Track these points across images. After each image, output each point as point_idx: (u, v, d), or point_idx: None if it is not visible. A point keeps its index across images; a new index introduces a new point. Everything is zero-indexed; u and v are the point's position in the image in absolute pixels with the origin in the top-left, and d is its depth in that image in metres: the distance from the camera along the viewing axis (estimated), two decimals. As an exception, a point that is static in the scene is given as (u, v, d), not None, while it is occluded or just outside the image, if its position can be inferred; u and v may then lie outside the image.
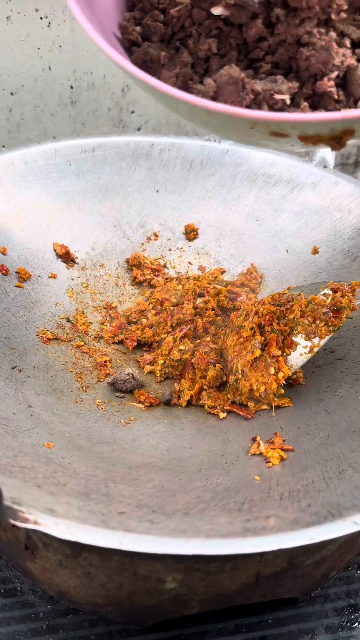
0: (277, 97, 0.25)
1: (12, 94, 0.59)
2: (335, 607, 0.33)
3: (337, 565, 0.33)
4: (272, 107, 0.25)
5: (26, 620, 0.32)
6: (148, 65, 0.28)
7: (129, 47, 0.28)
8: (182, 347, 0.41)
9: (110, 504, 0.26)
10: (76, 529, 0.22)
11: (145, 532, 0.22)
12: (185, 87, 0.27)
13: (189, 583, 0.28)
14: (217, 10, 0.26)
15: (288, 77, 0.26)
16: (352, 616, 0.33)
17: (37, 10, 0.55)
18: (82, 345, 0.43)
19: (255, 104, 0.25)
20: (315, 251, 0.48)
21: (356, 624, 0.32)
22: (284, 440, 0.34)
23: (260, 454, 0.33)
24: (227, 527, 0.24)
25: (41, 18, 0.55)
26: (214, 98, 0.26)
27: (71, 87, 0.60)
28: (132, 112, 0.63)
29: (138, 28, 0.28)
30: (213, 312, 0.43)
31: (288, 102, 0.25)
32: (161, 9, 0.28)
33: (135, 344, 0.44)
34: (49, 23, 0.56)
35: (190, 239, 0.51)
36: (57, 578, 0.31)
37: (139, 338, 0.44)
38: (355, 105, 0.26)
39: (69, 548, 0.28)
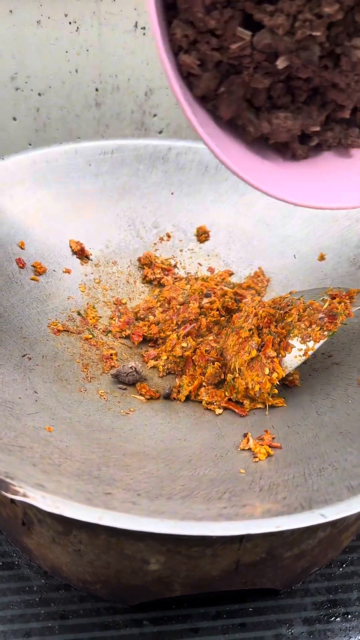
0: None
1: (39, 94, 0.61)
2: (314, 602, 0.34)
3: (318, 561, 0.34)
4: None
5: (20, 592, 0.34)
6: (205, 97, 0.29)
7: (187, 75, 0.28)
8: (184, 345, 0.43)
9: (99, 486, 0.28)
10: (61, 504, 0.23)
11: (125, 511, 0.24)
12: (236, 124, 0.29)
13: (171, 566, 0.30)
14: (282, 64, 0.26)
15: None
16: (330, 611, 0.34)
17: (66, 15, 0.57)
18: (90, 338, 0.45)
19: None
20: (321, 258, 0.49)
21: (333, 618, 0.33)
22: (273, 438, 0.35)
23: (249, 449, 0.34)
24: (203, 512, 0.25)
25: (70, 23, 0.58)
26: (264, 136, 0.29)
27: (96, 90, 0.62)
28: (155, 115, 0.65)
29: (196, 60, 0.27)
30: (217, 312, 0.45)
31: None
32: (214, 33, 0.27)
33: (141, 339, 0.46)
34: (77, 28, 0.58)
35: (201, 241, 0.53)
36: (51, 554, 0.33)
37: (145, 334, 0.46)
38: None
39: (61, 525, 0.30)
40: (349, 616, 0.34)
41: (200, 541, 0.28)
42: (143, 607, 0.33)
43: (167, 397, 0.41)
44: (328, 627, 0.33)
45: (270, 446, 0.34)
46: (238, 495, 0.28)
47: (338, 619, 0.33)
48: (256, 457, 0.33)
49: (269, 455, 0.34)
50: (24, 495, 0.23)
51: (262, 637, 0.33)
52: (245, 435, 0.36)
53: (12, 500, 0.33)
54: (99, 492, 0.27)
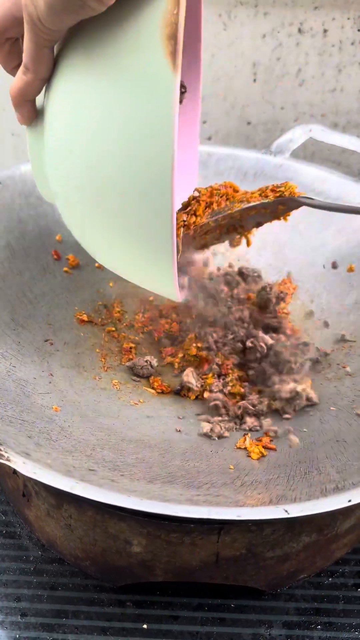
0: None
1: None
2: (298, 607, 0.34)
3: (305, 568, 0.34)
4: None
5: (18, 560, 0.36)
6: None
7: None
8: (199, 345, 0.44)
9: (86, 462, 0.29)
10: (40, 470, 0.25)
11: (99, 485, 0.25)
12: None
13: (152, 550, 0.31)
14: None
15: None
16: (312, 618, 0.34)
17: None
18: (113, 331, 0.47)
19: None
20: (350, 269, 0.49)
21: (314, 625, 0.33)
22: (271, 440, 0.36)
23: (245, 448, 0.35)
24: (175, 496, 0.26)
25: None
26: None
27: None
28: (205, 122, 0.66)
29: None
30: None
31: None
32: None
33: (162, 335, 0.47)
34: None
35: (233, 246, 0.53)
36: (47, 527, 0.35)
37: (165, 331, 0.47)
38: None
39: (53, 498, 0.32)
40: (331, 626, 0.33)
41: (178, 527, 0.29)
42: (128, 589, 0.34)
43: (178, 393, 0.42)
44: (307, 633, 0.33)
45: (265, 447, 0.35)
46: (217, 487, 0.29)
47: (319, 627, 0.33)
48: (249, 455, 0.34)
49: (262, 455, 0.34)
50: (8, 460, 0.25)
51: (240, 634, 0.33)
52: (244, 434, 0.37)
53: (14, 471, 0.35)
54: (83, 467, 0.28)
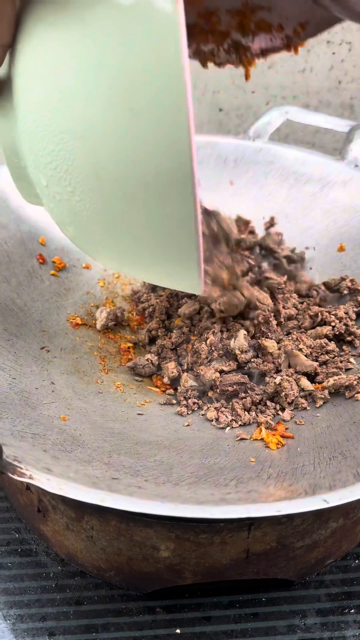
0: None
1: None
2: (329, 593, 0.34)
3: (332, 553, 0.34)
4: None
5: (37, 578, 0.35)
6: None
7: None
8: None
9: (107, 471, 0.28)
10: (65, 486, 0.24)
11: (128, 494, 0.24)
12: None
13: (181, 553, 0.30)
14: None
15: None
16: (345, 603, 0.33)
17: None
18: (109, 332, 0.45)
19: None
20: (341, 249, 0.48)
21: (347, 610, 0.33)
22: (286, 429, 0.35)
23: (262, 439, 0.34)
24: (206, 497, 0.25)
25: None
26: None
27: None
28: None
29: None
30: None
31: None
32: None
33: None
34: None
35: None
36: (66, 541, 0.34)
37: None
38: None
39: (73, 511, 0.31)
40: (364, 609, 0.33)
41: (208, 527, 0.28)
42: (156, 595, 0.34)
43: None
44: (342, 618, 0.33)
45: (282, 436, 0.34)
46: (245, 482, 0.28)
47: (352, 610, 0.33)
48: (268, 446, 0.33)
49: (281, 445, 0.33)
50: (30, 478, 0.24)
51: (275, 627, 0.33)
52: (259, 425, 0.36)
53: (28, 487, 0.33)
54: (106, 477, 0.27)
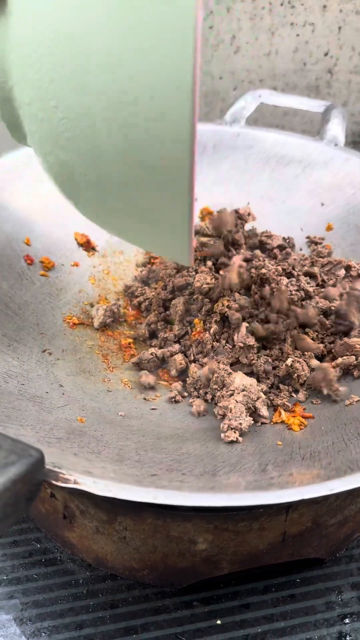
0: None
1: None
2: (360, 566, 0.35)
3: (359, 527, 0.34)
4: None
5: (67, 586, 0.34)
6: None
7: None
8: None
9: (142, 468, 0.28)
10: (113, 487, 0.23)
11: (176, 489, 0.24)
12: None
13: (219, 543, 0.30)
14: None
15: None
16: (377, 574, 0.34)
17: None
18: (107, 329, 0.44)
19: None
20: (329, 228, 0.49)
21: (381, 580, 0.34)
22: (304, 409, 0.35)
23: (282, 422, 0.34)
24: (253, 484, 0.25)
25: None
26: None
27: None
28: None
29: None
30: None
31: None
32: None
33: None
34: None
35: None
36: (94, 545, 0.33)
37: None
38: None
39: (105, 513, 0.30)
40: None
41: (247, 515, 0.28)
42: (191, 589, 0.33)
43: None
44: (377, 590, 0.33)
45: (303, 417, 0.34)
46: (281, 465, 0.28)
47: (386, 581, 0.34)
48: (290, 428, 0.33)
49: (303, 425, 0.33)
50: (75, 482, 0.23)
51: (313, 606, 0.33)
52: (275, 409, 0.36)
53: (52, 495, 0.32)
54: (145, 474, 0.27)
